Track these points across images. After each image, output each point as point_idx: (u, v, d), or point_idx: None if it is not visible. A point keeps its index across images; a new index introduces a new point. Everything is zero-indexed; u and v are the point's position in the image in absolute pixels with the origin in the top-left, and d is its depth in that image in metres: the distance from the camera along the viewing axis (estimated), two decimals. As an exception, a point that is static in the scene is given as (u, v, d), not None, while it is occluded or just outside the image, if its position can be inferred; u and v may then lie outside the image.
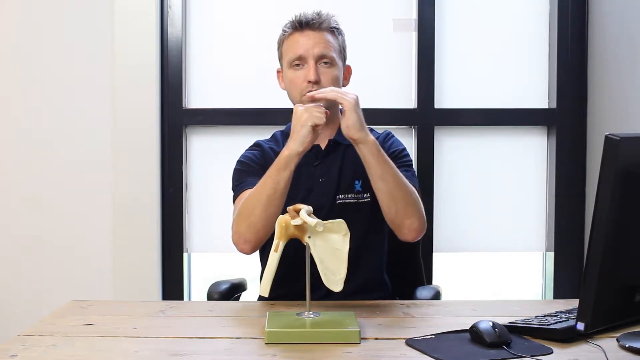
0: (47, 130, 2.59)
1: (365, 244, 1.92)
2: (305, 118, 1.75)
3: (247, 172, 1.95)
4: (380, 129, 2.17)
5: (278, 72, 2.03)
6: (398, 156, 1.97)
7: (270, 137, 2.08)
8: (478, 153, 2.71)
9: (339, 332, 1.44)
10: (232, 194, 1.97)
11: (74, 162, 2.59)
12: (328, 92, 1.80)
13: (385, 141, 2.02)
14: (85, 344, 1.44)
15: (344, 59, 1.99)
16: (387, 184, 1.79)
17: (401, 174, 1.82)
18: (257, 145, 2.05)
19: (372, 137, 1.79)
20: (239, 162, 2.01)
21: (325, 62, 1.91)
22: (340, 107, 1.82)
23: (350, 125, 1.76)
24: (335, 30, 1.96)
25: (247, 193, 1.87)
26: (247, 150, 2.04)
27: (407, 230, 1.83)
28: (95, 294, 2.54)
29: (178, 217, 2.66)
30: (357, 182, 1.95)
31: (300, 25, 1.93)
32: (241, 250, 1.85)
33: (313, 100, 1.82)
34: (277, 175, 1.77)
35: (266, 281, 1.54)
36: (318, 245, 1.54)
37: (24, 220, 2.60)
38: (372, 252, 1.96)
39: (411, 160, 2.01)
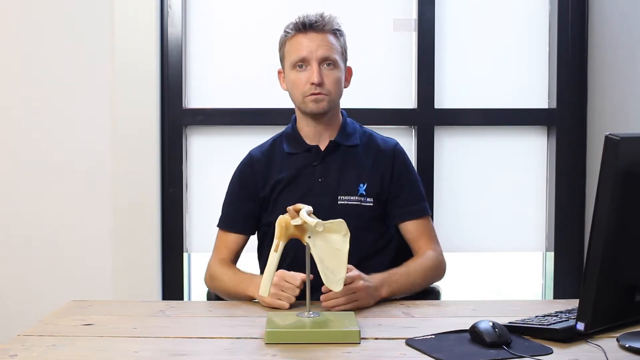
0: (47, 131, 2.58)
1: (366, 247, 1.91)
2: (267, 302, 1.71)
3: (230, 202, 2.04)
4: (380, 129, 2.17)
5: (279, 72, 2.03)
6: (410, 188, 2.00)
7: (270, 140, 2.08)
8: (478, 153, 2.71)
9: (339, 332, 1.44)
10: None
11: (73, 162, 2.58)
12: (345, 304, 1.67)
13: (395, 157, 2.02)
14: (85, 344, 1.44)
15: (345, 60, 2.00)
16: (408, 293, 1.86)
17: (416, 271, 1.87)
18: (249, 156, 2.06)
19: (385, 291, 1.77)
20: (230, 183, 2.06)
21: (329, 64, 1.92)
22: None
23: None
24: (337, 32, 1.96)
25: (220, 234, 2.02)
26: (239, 165, 2.07)
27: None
28: (95, 294, 2.53)
29: (178, 217, 2.66)
30: (361, 185, 1.94)
31: (304, 27, 1.93)
32: None
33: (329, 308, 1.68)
34: (234, 295, 1.88)
35: (266, 281, 1.54)
36: (318, 245, 1.54)
37: (24, 221, 2.60)
38: (374, 254, 1.95)
39: (421, 186, 2.04)
